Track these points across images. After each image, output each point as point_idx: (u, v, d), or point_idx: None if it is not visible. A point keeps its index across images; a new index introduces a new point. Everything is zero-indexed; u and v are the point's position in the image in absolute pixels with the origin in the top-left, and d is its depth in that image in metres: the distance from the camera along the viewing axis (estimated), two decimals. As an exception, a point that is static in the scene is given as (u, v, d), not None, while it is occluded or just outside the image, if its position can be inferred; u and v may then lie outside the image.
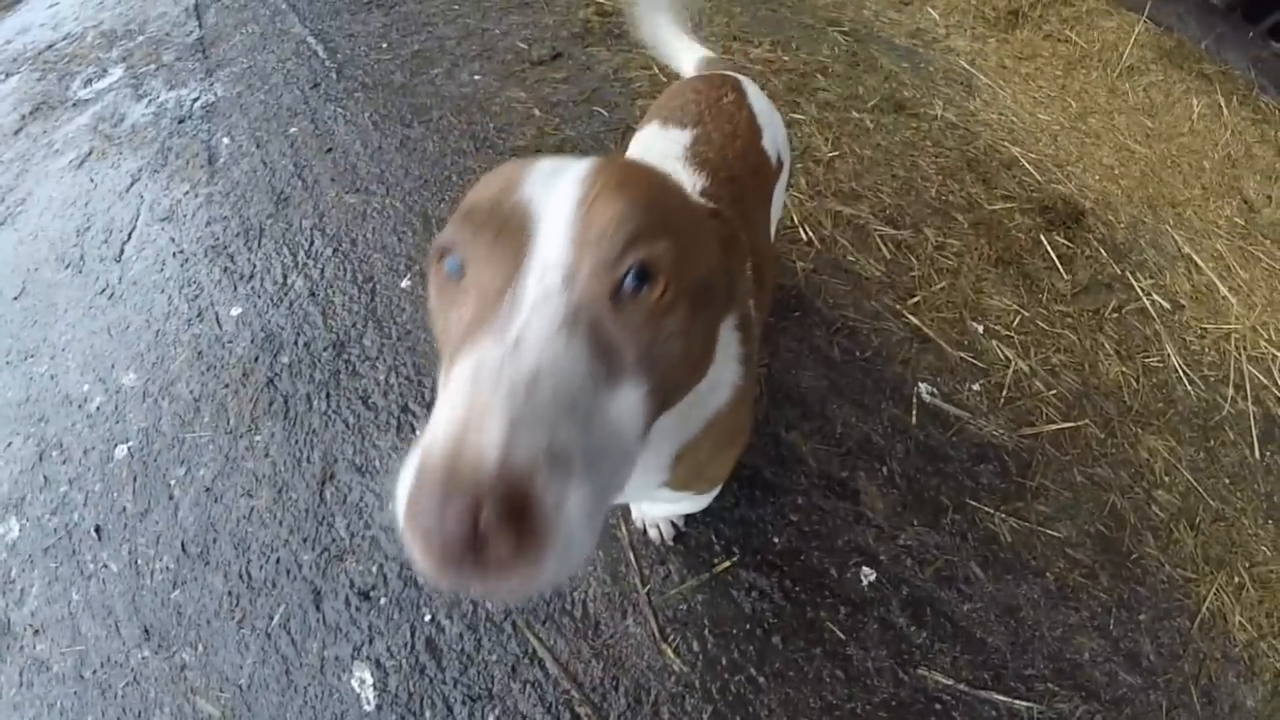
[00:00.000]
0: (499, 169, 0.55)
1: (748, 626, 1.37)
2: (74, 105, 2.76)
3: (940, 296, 1.92)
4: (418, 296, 1.92)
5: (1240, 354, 1.96)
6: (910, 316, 1.86)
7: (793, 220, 2.06)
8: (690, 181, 1.06)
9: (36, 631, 1.47)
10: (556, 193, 0.47)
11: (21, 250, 2.23)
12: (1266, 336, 2.02)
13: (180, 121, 2.56)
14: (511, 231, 0.45)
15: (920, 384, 1.73)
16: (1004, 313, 1.90)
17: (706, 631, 1.36)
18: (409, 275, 1.97)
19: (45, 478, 1.68)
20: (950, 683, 1.33)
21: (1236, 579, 1.54)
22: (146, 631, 1.43)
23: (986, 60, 2.78)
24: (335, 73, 2.67)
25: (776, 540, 1.47)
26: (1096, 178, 2.39)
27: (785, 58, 2.66)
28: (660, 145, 1.15)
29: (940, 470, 1.59)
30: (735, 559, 1.45)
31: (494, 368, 0.38)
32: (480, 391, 0.37)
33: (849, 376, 1.73)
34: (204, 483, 1.60)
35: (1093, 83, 2.75)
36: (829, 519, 1.50)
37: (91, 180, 2.40)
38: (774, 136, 1.28)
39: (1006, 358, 1.81)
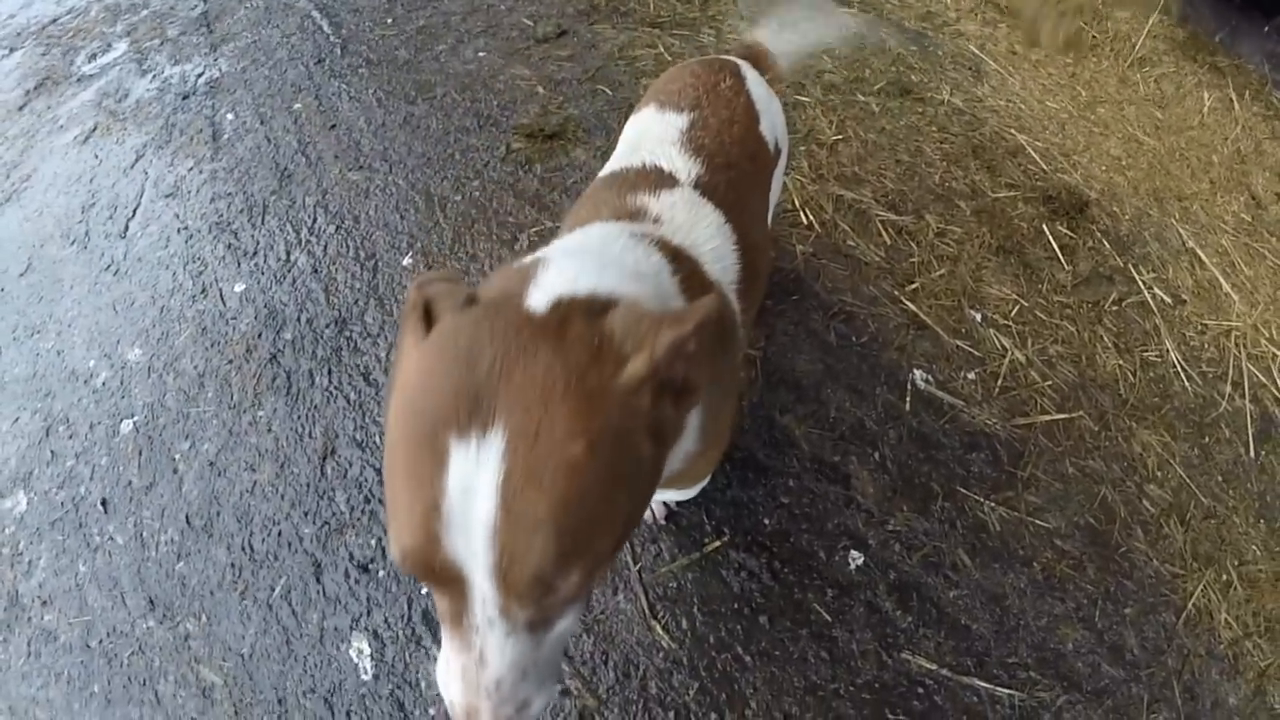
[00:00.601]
0: (406, 467, 0.54)
1: (736, 605, 1.40)
2: (78, 80, 2.77)
3: (939, 284, 1.93)
4: (419, 275, 1.94)
5: (1240, 351, 1.96)
6: (908, 303, 1.87)
7: (794, 204, 2.07)
8: (685, 169, 1.08)
9: (44, 603, 1.51)
10: (476, 544, 0.51)
11: (27, 227, 2.25)
12: (1268, 335, 2.02)
13: (184, 97, 2.57)
14: (449, 581, 0.54)
15: (915, 370, 1.75)
16: (1003, 302, 1.91)
17: (695, 609, 1.40)
18: (410, 253, 1.99)
19: (52, 452, 1.72)
20: (933, 668, 1.36)
21: (1224, 577, 1.56)
22: (151, 602, 1.47)
23: (996, 45, 2.76)
24: (340, 48, 2.68)
25: (767, 521, 1.50)
26: (1103, 168, 2.39)
27: (790, 40, 2.66)
28: (657, 129, 1.16)
29: (932, 457, 1.61)
30: (725, 539, 1.48)
31: (472, 678, 0.57)
32: (469, 693, 0.58)
33: (845, 361, 1.75)
34: (208, 457, 1.64)
35: (1103, 72, 2.73)
36: (819, 502, 1.53)
37: (96, 156, 2.42)
38: (772, 123, 1.28)
39: (1003, 347, 1.82)
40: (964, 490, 1.58)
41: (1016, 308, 1.90)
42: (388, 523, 0.55)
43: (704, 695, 1.31)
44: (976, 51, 2.70)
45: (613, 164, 1.17)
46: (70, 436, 1.74)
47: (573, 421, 0.51)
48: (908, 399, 1.70)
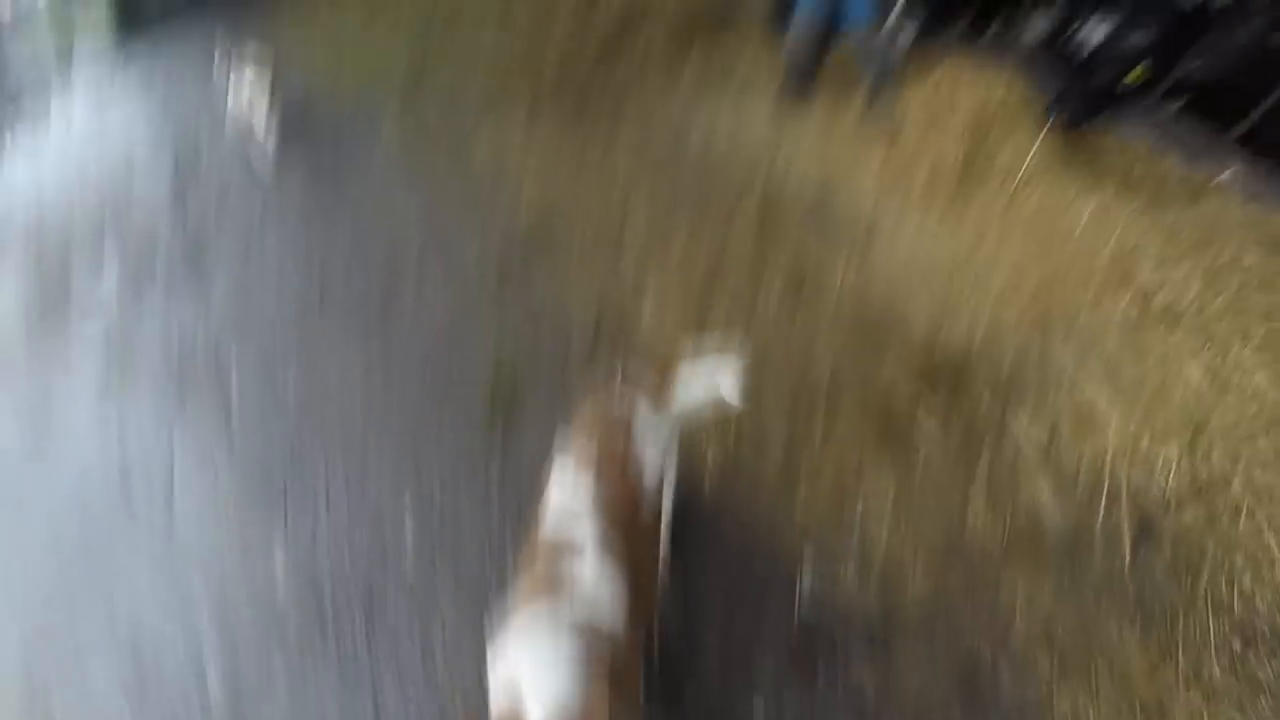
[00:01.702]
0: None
1: None
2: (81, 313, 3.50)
3: (825, 485, 2.50)
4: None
5: (1122, 463, 2.47)
6: (798, 510, 2.44)
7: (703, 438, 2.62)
8: (591, 534, 1.60)
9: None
10: None
11: (63, 491, 2.87)
12: (1150, 433, 2.54)
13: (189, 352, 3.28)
14: None
15: (804, 574, 2.32)
16: (880, 494, 2.47)
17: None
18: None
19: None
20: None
21: (1093, 682, 2.03)
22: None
23: (890, 197, 3.36)
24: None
25: None
26: (988, 307, 2.96)
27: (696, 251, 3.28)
28: (567, 496, 1.70)
29: (815, 640, 2.16)
30: None
31: None
32: None
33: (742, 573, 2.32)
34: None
35: (989, 201, 3.32)
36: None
37: (118, 413, 3.11)
38: (657, 466, 1.81)
39: (880, 534, 2.38)
40: (846, 661, 2.12)
41: (893, 494, 2.47)
42: None
43: None
44: (870, 209, 3.30)
45: (544, 523, 1.68)
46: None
47: None
48: (797, 596, 2.27)
